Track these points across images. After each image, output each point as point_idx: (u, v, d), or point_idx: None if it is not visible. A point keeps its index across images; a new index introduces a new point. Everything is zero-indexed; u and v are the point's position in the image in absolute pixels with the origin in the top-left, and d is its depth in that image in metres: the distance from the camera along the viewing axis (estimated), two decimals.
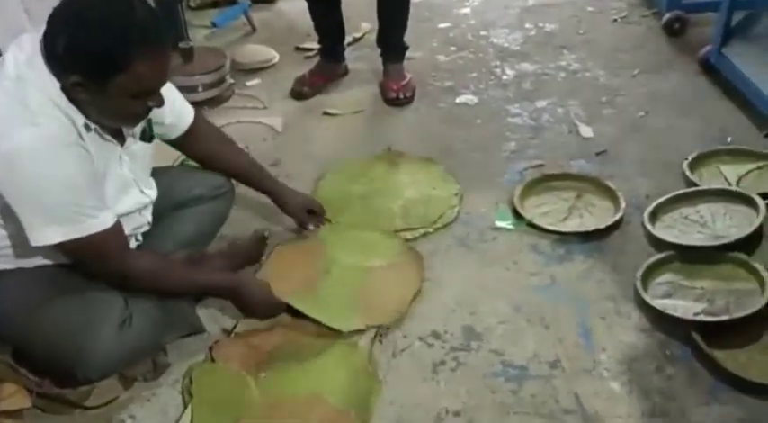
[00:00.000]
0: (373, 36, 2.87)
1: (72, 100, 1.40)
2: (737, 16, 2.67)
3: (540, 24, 3.41)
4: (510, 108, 2.75)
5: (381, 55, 2.87)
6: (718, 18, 2.69)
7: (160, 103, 1.48)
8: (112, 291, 1.60)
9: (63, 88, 1.38)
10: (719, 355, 1.68)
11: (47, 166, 1.36)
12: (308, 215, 2.08)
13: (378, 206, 2.22)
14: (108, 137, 1.51)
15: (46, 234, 1.41)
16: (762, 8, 2.69)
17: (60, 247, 1.45)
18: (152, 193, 1.71)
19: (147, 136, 1.65)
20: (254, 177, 1.99)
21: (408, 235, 2.11)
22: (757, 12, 2.69)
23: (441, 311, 1.86)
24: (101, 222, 1.47)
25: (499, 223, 2.15)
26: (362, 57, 3.12)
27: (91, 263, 1.54)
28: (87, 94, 1.38)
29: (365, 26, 3.36)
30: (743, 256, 1.89)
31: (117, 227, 1.52)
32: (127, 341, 1.55)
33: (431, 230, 2.13)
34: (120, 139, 1.57)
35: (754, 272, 1.84)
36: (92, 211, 1.45)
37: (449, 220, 2.17)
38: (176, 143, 1.84)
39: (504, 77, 2.98)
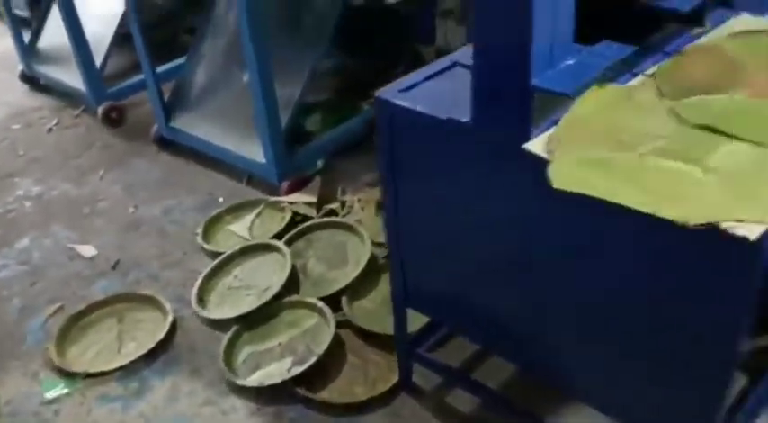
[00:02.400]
0: None
1: None
2: (168, 88, 2.80)
3: None
4: None
5: None
6: (152, 97, 2.76)
7: None
8: None
9: None
10: (325, 394, 1.75)
11: None
12: None
13: None
14: None
15: None
16: (184, 73, 2.84)
17: None
18: None
19: None
20: None
21: None
22: (181, 78, 2.84)
23: None
24: None
25: (51, 394, 1.82)
26: None
27: None
28: None
29: None
30: (294, 297, 2.00)
31: None
32: None
33: None
34: None
35: (310, 306, 1.95)
36: None
37: None
38: None
39: None
